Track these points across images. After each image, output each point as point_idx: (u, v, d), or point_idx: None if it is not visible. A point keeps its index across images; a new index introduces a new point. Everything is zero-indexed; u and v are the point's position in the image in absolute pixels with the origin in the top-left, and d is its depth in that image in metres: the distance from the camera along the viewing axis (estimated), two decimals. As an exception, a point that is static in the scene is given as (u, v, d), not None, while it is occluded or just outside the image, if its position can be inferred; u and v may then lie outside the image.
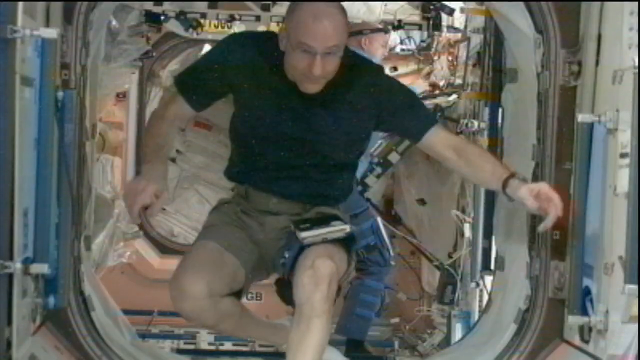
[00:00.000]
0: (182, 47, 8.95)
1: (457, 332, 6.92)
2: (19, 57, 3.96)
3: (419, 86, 8.63)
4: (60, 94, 4.70)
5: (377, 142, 7.78)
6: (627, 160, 4.26)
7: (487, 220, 6.51)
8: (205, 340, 7.72)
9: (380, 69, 4.77)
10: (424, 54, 8.63)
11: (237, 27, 7.91)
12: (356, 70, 4.55)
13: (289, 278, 4.59)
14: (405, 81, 8.90)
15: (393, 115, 4.60)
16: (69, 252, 4.94)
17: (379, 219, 7.04)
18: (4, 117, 3.86)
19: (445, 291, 7.04)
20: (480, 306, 6.63)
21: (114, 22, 7.55)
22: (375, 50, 7.17)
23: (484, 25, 6.63)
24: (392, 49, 8.71)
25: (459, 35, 7.60)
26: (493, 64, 6.45)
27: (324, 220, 4.63)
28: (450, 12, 7.44)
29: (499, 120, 6.42)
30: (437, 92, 8.15)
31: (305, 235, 4.54)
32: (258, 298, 8.78)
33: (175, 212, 9.26)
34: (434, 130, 4.64)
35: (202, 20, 7.78)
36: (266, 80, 4.51)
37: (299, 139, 4.56)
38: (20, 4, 3.93)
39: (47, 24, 4.66)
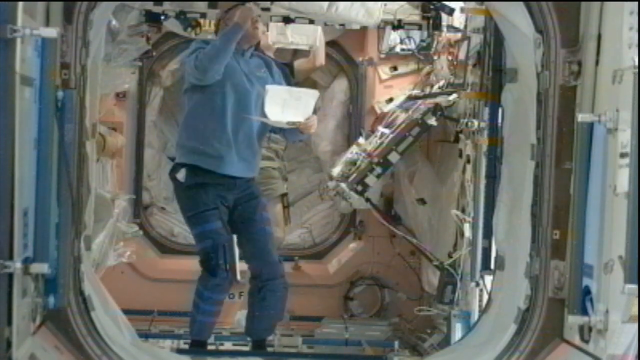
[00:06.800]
0: (182, 46, 8.92)
1: (457, 332, 6.92)
2: (19, 57, 3.96)
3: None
4: (60, 93, 4.71)
5: (376, 141, 7.79)
6: (627, 160, 4.26)
7: (487, 220, 6.51)
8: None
9: None
10: (424, 53, 8.63)
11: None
12: None
13: None
14: (405, 81, 8.96)
15: None
16: (69, 252, 4.95)
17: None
18: (4, 117, 3.86)
19: (445, 291, 7.03)
20: (480, 306, 6.62)
21: (114, 22, 7.55)
22: None
23: (484, 25, 6.63)
24: (392, 48, 8.72)
25: (459, 35, 7.59)
26: (493, 64, 6.45)
27: None
28: (450, 12, 7.43)
29: (499, 120, 6.42)
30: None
31: None
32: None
33: (175, 212, 9.23)
34: None
35: (201, 20, 7.78)
36: None
37: None
38: (20, 3, 3.93)
39: (47, 23, 4.66)
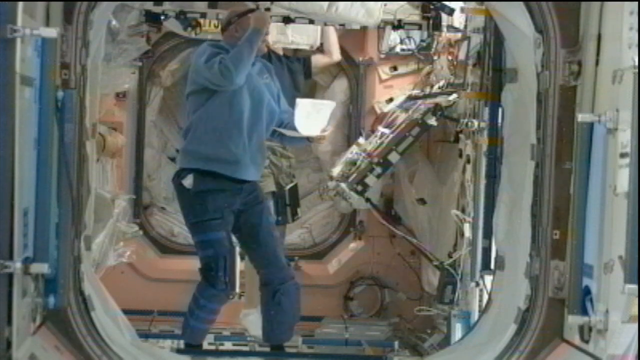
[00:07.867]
0: (182, 46, 8.93)
1: (457, 332, 6.92)
2: (19, 57, 3.96)
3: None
4: (60, 93, 4.71)
5: (376, 142, 7.79)
6: (627, 160, 4.27)
7: (487, 220, 6.51)
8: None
9: None
10: (424, 53, 8.64)
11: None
12: None
13: None
14: (405, 81, 8.96)
15: None
16: (69, 252, 4.95)
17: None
18: (4, 117, 3.86)
19: (445, 291, 7.04)
20: (480, 306, 6.62)
21: (114, 22, 7.56)
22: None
23: (484, 25, 6.64)
24: (392, 48, 8.72)
25: (459, 35, 7.60)
26: (493, 64, 6.45)
27: None
28: (450, 12, 7.44)
29: (499, 120, 6.42)
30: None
31: None
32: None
33: (175, 212, 9.23)
34: None
35: (201, 20, 7.79)
36: None
37: None
38: (20, 3, 3.93)
39: (47, 23, 4.67)
